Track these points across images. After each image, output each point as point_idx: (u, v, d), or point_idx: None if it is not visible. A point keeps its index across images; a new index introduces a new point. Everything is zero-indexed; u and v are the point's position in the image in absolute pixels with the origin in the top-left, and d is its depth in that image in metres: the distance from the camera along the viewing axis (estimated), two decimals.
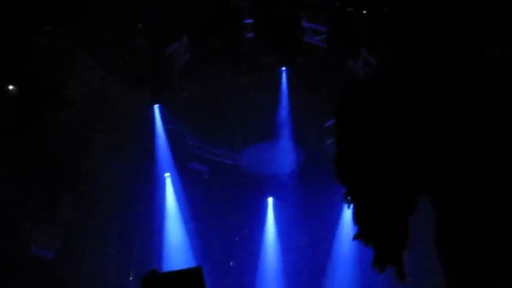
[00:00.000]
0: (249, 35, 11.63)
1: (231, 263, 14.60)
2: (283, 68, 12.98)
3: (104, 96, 12.78)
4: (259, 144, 13.69)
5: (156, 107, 13.19)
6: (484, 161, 2.48)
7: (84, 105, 12.25)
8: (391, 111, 2.81)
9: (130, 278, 12.42)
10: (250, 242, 14.52)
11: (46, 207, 11.42)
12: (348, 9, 11.19)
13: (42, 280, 10.46)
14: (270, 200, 14.45)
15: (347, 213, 13.82)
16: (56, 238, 10.82)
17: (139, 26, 12.06)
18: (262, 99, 13.49)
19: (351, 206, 2.95)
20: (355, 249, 13.41)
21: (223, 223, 14.55)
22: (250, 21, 11.56)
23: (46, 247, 10.37)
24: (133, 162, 13.39)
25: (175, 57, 12.35)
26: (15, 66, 11.00)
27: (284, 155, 13.60)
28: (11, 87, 10.90)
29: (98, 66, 12.49)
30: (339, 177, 3.01)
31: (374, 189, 2.87)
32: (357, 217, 2.93)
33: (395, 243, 2.77)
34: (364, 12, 10.79)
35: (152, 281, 3.86)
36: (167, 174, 13.80)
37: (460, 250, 2.49)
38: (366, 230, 2.85)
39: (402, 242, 2.79)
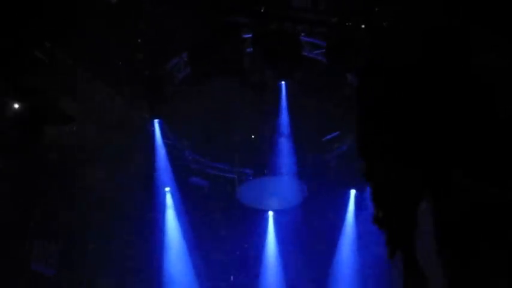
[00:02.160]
0: (249, 49, 11.67)
1: (232, 278, 14.56)
2: (283, 82, 13.07)
3: (103, 111, 12.81)
4: (259, 179, 13.60)
5: (156, 122, 13.22)
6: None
7: (84, 121, 12.25)
8: (411, 91, 2.78)
9: None
10: (251, 256, 14.48)
11: (45, 223, 11.38)
12: (347, 24, 11.26)
13: None
14: (271, 213, 14.44)
15: (348, 232, 13.89)
16: (56, 254, 10.77)
17: (139, 41, 12.11)
18: (261, 112, 13.55)
19: (370, 184, 2.90)
20: (355, 267, 13.44)
21: (224, 237, 14.53)
22: (249, 35, 11.62)
23: (46, 264, 10.32)
24: (133, 177, 13.40)
25: (175, 72, 12.41)
26: (14, 82, 11.02)
27: (286, 191, 13.46)
28: (16, 105, 10.90)
29: (98, 81, 12.54)
30: (362, 153, 2.94)
31: (396, 168, 2.83)
32: (375, 196, 2.88)
33: (408, 227, 2.75)
34: (363, 26, 10.85)
35: None
36: (167, 189, 13.81)
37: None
38: (383, 211, 2.81)
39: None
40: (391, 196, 2.76)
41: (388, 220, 2.76)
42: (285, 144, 13.44)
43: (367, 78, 3.13)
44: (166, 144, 13.53)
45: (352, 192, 13.95)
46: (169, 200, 13.81)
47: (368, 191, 2.96)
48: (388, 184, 2.79)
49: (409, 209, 2.68)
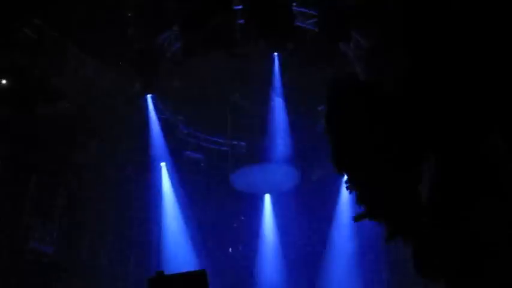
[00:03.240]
0: (240, 21, 11.55)
1: (230, 250, 14.69)
2: (275, 54, 12.99)
3: (95, 87, 12.73)
4: (252, 166, 13.53)
5: (149, 97, 13.15)
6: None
7: (76, 97, 12.18)
8: (377, 103, 2.85)
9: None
10: (248, 229, 14.59)
11: (42, 202, 11.40)
12: None
13: (41, 274, 10.46)
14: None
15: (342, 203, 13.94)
16: (54, 232, 10.82)
17: (130, 15, 11.98)
18: (254, 85, 13.48)
19: (353, 192, 2.99)
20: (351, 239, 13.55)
21: (221, 210, 14.61)
22: (240, 7, 11.49)
23: (44, 242, 10.38)
24: (129, 153, 13.40)
25: (166, 46, 12.29)
26: (4, 59, 10.92)
27: (278, 177, 13.47)
28: (5, 82, 10.82)
29: (88, 57, 12.44)
30: (338, 169, 3.06)
31: (372, 174, 2.92)
32: (360, 200, 2.98)
33: (403, 216, 2.82)
34: None
35: (159, 282, 4.00)
36: (163, 164, 13.82)
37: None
38: (370, 210, 2.90)
39: (410, 212, 2.84)
40: (375, 196, 2.82)
41: (381, 215, 2.83)
42: (279, 115, 13.42)
43: (333, 101, 3.16)
44: (160, 119, 13.49)
45: None
46: (164, 174, 13.82)
47: (354, 198, 3.01)
48: (370, 187, 2.85)
49: (399, 202, 2.74)
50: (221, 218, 14.68)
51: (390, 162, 2.83)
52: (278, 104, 13.34)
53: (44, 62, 11.53)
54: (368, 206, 2.95)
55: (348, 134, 2.99)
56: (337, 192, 13.92)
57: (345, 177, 3.16)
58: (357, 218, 3.04)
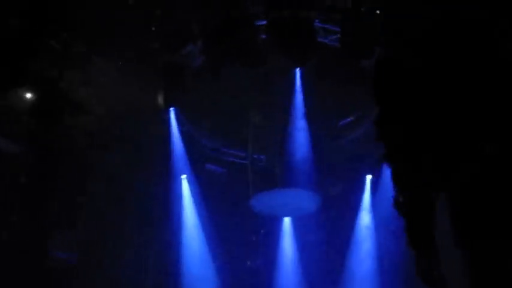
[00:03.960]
0: (263, 36, 11.65)
1: (248, 263, 14.67)
2: (297, 69, 13.05)
3: (119, 100, 12.90)
4: (272, 191, 13.49)
5: (172, 110, 13.28)
6: None
7: (101, 110, 12.35)
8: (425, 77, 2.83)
9: None
10: (268, 242, 14.56)
11: (65, 212, 11.55)
12: (361, 9, 11.18)
13: (62, 282, 10.56)
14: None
15: (364, 221, 13.88)
16: (75, 240, 10.94)
17: (153, 29, 12.13)
18: (277, 100, 13.56)
19: (391, 168, 2.97)
20: (372, 256, 13.48)
21: (240, 223, 14.62)
22: (264, 22, 11.59)
23: (66, 251, 10.50)
24: (150, 165, 13.51)
25: (189, 60, 12.42)
26: (30, 71, 11.11)
27: (299, 202, 13.36)
28: (32, 94, 11.03)
29: (113, 70, 12.62)
30: (382, 137, 3.02)
31: (415, 150, 2.89)
32: (396, 179, 2.95)
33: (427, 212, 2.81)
34: (378, 12, 10.76)
35: None
36: (183, 176, 13.90)
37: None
38: (404, 196, 2.87)
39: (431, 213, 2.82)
40: (411, 182, 2.80)
41: (407, 205, 2.82)
42: (300, 130, 13.43)
43: (385, 70, 3.17)
44: (182, 132, 13.60)
45: (368, 177, 13.95)
46: (185, 187, 13.89)
47: (388, 174, 3.01)
48: (409, 170, 2.84)
49: (428, 195, 2.73)
50: (240, 231, 14.70)
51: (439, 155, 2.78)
52: (299, 119, 13.36)
53: (69, 74, 11.74)
54: (398, 190, 2.91)
55: (400, 110, 2.95)
56: (356, 207, 13.93)
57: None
58: (394, 204, 2.99)
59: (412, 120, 2.86)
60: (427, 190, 2.83)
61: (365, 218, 14.04)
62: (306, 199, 13.20)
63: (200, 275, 12.32)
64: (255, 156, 14.71)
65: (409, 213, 2.93)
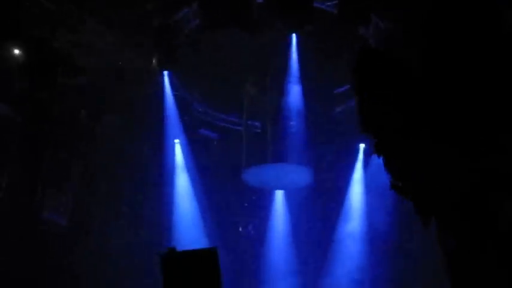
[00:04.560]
0: (259, 1, 11.47)
1: (240, 229, 14.77)
2: (293, 34, 12.88)
3: (113, 62, 12.75)
4: (265, 165, 13.23)
5: (165, 74, 13.16)
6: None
7: (94, 72, 12.22)
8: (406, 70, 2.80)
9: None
10: (259, 208, 14.63)
11: (57, 174, 11.51)
12: None
13: (54, 245, 10.60)
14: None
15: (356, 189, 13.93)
16: (67, 204, 10.94)
17: None
18: (272, 64, 13.41)
19: (382, 157, 2.97)
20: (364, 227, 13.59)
21: (232, 189, 14.66)
22: None
23: (58, 213, 10.51)
24: (143, 128, 13.45)
25: (184, 23, 12.24)
26: (23, 29, 10.93)
27: (292, 177, 13.18)
28: (16, 51, 10.84)
29: (107, 32, 12.43)
30: (369, 129, 3.02)
31: (406, 138, 2.88)
32: (389, 166, 2.96)
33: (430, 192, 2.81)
34: None
35: (171, 259, 4.09)
36: (176, 141, 13.87)
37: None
38: (402, 181, 2.88)
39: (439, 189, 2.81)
40: (408, 168, 2.79)
41: (410, 189, 2.80)
42: (294, 97, 13.32)
43: (363, 63, 3.13)
44: (176, 96, 13.50)
45: (362, 146, 13.95)
46: (178, 151, 13.87)
47: (381, 160, 2.98)
48: (402, 157, 2.82)
49: (432, 179, 2.71)
50: (233, 196, 14.74)
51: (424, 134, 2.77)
52: (294, 87, 13.23)
53: (63, 34, 11.56)
54: (396, 177, 2.91)
55: (377, 101, 2.96)
56: (349, 178, 13.98)
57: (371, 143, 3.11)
58: (392, 187, 3.01)
59: (398, 111, 2.84)
60: (429, 176, 2.81)
61: (357, 188, 14.11)
62: (298, 173, 13.07)
63: (191, 239, 12.35)
64: (250, 123, 14.66)
65: (415, 197, 2.93)
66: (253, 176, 13.18)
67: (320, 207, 14.17)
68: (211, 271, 4.06)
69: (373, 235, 13.34)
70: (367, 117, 2.98)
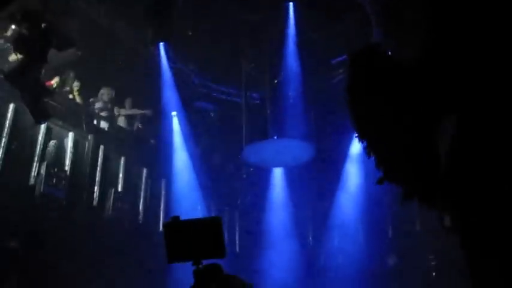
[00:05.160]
0: None
1: (239, 201, 14.80)
2: (291, 3, 12.68)
3: (107, 34, 12.57)
4: (265, 141, 12.98)
5: (161, 45, 12.98)
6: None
7: (88, 44, 12.04)
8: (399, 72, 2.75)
9: None
10: (258, 180, 14.63)
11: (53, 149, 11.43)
12: None
13: (51, 219, 10.57)
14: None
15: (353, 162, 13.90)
16: (64, 179, 10.89)
17: None
18: (269, 35, 13.23)
19: (372, 156, 2.96)
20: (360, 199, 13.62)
21: (230, 160, 14.65)
22: None
23: (55, 187, 10.46)
24: (140, 101, 13.35)
25: None
26: (12, 5, 10.72)
27: (292, 152, 12.93)
28: (15, 28, 10.69)
29: (99, 4, 12.24)
30: (359, 135, 3.02)
31: (390, 139, 2.87)
32: (378, 164, 2.94)
33: (421, 176, 2.79)
34: None
35: (175, 226, 4.09)
36: (174, 113, 13.77)
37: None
38: (391, 173, 2.87)
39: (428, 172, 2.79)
40: (396, 160, 2.77)
41: (398, 177, 2.79)
42: (291, 66, 13.17)
43: (355, 69, 3.06)
44: (172, 68, 13.35)
45: None
46: (175, 123, 13.78)
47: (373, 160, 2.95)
48: (391, 152, 2.79)
49: (413, 162, 2.69)
50: (231, 169, 14.73)
51: (407, 125, 2.77)
52: (292, 57, 13.06)
53: (55, 6, 11.34)
54: (386, 169, 2.92)
55: (369, 103, 2.94)
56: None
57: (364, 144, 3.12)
58: (378, 182, 3.01)
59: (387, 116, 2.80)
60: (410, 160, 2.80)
61: (354, 165, 14.10)
62: (299, 149, 12.85)
63: (190, 212, 12.33)
64: (248, 94, 14.55)
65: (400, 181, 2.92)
66: (253, 153, 13.01)
67: (318, 179, 14.16)
68: (215, 239, 4.07)
69: (369, 204, 13.39)
70: (361, 122, 2.94)
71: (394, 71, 2.87)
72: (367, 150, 3.04)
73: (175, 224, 4.15)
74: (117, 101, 13.01)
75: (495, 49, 2.46)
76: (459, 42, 2.55)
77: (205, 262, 4.01)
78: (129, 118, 13.25)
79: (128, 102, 13.24)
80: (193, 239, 4.10)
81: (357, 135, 3.06)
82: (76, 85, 12.00)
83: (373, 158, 3.00)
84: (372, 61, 3.02)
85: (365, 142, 3.03)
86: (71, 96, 11.86)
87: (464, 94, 2.55)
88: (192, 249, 4.08)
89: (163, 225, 4.21)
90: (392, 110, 2.87)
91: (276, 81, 13.51)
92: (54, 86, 11.42)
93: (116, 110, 12.94)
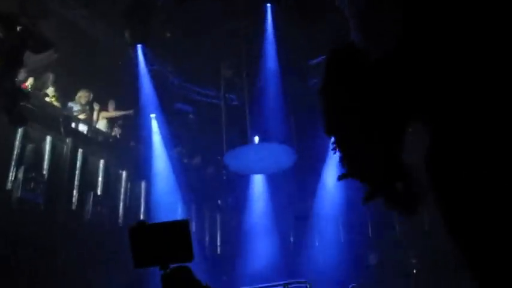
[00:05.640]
0: None
1: (219, 202, 14.78)
2: (268, 5, 12.71)
3: (85, 36, 12.47)
4: (246, 146, 12.95)
5: (139, 47, 12.92)
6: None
7: (64, 46, 11.93)
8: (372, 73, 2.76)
9: None
10: (239, 181, 14.61)
11: (31, 152, 11.30)
12: None
13: (29, 224, 10.44)
14: (257, 138, 14.41)
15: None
16: (42, 183, 10.76)
17: None
18: (247, 36, 13.23)
19: (338, 153, 2.95)
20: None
21: (211, 161, 14.63)
22: None
23: (33, 192, 10.33)
24: (118, 103, 13.25)
25: None
26: None
27: (275, 157, 12.83)
28: None
29: (77, 5, 12.14)
30: (328, 131, 3.01)
31: (355, 137, 2.88)
32: (343, 161, 2.94)
33: (385, 176, 2.79)
34: None
35: (140, 230, 4.04)
36: (153, 115, 13.70)
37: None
38: (354, 171, 2.88)
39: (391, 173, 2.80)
40: (362, 157, 2.79)
41: (362, 175, 2.80)
42: (270, 69, 13.19)
43: (331, 67, 3.07)
44: (151, 70, 13.29)
45: None
46: (154, 125, 13.72)
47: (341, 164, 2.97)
48: (357, 150, 2.81)
49: (380, 163, 2.72)
50: (212, 169, 14.71)
51: (373, 121, 2.77)
52: (269, 59, 13.09)
53: (31, 8, 11.21)
54: (349, 166, 2.92)
55: (339, 100, 2.94)
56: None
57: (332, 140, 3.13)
58: (340, 178, 3.01)
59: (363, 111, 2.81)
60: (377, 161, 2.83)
61: (333, 166, 14.20)
62: (281, 153, 12.76)
63: (170, 215, 12.25)
64: (227, 95, 14.56)
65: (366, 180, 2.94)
66: (235, 159, 12.90)
67: (299, 180, 14.23)
68: (182, 242, 4.04)
69: (348, 204, 13.51)
70: (331, 117, 2.94)
71: (365, 66, 2.86)
72: (333, 145, 3.04)
73: (141, 228, 4.11)
74: (96, 103, 12.88)
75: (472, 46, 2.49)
76: (432, 34, 2.57)
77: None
78: (110, 121, 13.13)
79: (110, 104, 13.11)
80: (160, 243, 4.05)
81: (324, 129, 3.05)
82: (51, 90, 11.84)
83: (338, 153, 3.01)
84: (346, 57, 3.02)
85: (332, 137, 3.03)
86: (47, 99, 11.71)
87: (436, 91, 2.57)
88: (159, 254, 4.03)
89: (128, 230, 4.15)
90: (360, 105, 2.86)
91: (254, 85, 13.48)
92: (29, 87, 11.28)
93: (96, 113, 12.82)
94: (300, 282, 10.96)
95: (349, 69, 2.91)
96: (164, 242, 4.04)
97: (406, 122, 2.72)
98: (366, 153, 2.77)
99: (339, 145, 2.92)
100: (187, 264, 3.99)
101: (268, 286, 11.18)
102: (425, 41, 2.49)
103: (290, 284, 10.76)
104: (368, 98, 2.73)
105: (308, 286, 10.57)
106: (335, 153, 2.92)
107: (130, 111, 13.31)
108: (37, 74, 11.73)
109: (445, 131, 2.49)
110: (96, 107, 12.74)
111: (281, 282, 10.99)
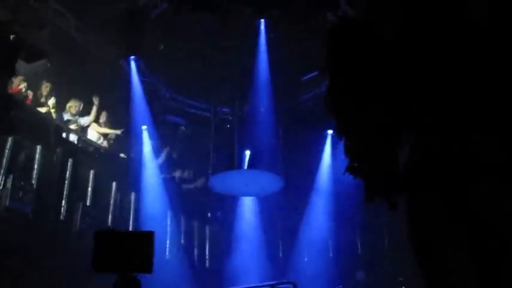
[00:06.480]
0: None
1: (209, 215, 14.74)
2: (262, 20, 12.80)
3: (77, 47, 12.47)
4: (233, 171, 13.06)
5: (132, 59, 12.94)
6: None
7: (57, 57, 11.94)
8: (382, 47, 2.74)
9: None
10: (228, 195, 14.59)
11: (20, 162, 11.24)
12: None
13: (16, 234, 10.36)
14: (248, 153, 14.45)
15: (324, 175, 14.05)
16: (31, 193, 10.67)
17: None
18: (240, 50, 13.31)
19: (343, 139, 2.91)
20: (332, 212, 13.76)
21: (201, 175, 14.59)
22: None
23: (21, 201, 10.25)
24: (110, 115, 13.23)
25: (150, 8, 12.05)
26: None
27: (261, 183, 12.89)
28: None
29: (70, 16, 12.16)
30: (332, 110, 2.96)
31: (368, 122, 2.84)
32: (348, 150, 2.90)
33: (385, 173, 2.78)
34: None
35: (105, 235, 4.05)
36: (144, 127, 13.68)
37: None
38: (357, 163, 2.83)
39: (391, 172, 2.79)
40: (365, 147, 2.75)
41: (364, 169, 2.77)
42: (262, 83, 13.24)
43: (338, 35, 3.03)
44: (143, 82, 13.30)
45: (330, 132, 14.03)
46: (146, 137, 13.69)
47: (342, 145, 2.90)
48: (361, 136, 2.77)
49: (385, 157, 2.68)
50: (202, 182, 14.67)
51: (378, 119, 2.74)
52: (262, 71, 13.14)
53: (24, 17, 11.24)
54: (351, 158, 2.87)
55: (345, 79, 2.88)
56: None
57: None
58: (347, 170, 2.96)
59: (367, 92, 2.77)
60: (383, 154, 2.78)
61: (324, 177, 14.25)
62: (268, 180, 12.77)
63: (158, 228, 12.20)
64: (218, 109, 14.60)
65: (367, 176, 2.88)
66: (221, 182, 12.96)
67: (288, 197, 14.22)
68: (144, 253, 4.05)
69: (338, 221, 13.54)
70: (336, 98, 2.89)
71: (374, 47, 2.80)
72: (337, 135, 2.99)
73: (107, 233, 4.12)
74: (87, 113, 12.86)
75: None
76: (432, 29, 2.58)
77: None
78: (102, 133, 13.10)
79: (103, 116, 13.04)
80: (123, 250, 4.05)
81: (326, 108, 2.99)
82: (52, 102, 11.81)
83: (342, 144, 2.97)
84: (353, 35, 2.93)
85: (338, 125, 2.97)
86: (44, 110, 11.67)
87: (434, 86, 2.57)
88: (119, 261, 4.02)
89: (94, 234, 4.14)
90: (368, 92, 2.80)
91: (246, 100, 13.53)
92: (23, 90, 11.27)
93: (90, 127, 12.79)
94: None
95: (359, 46, 2.84)
96: (127, 250, 4.04)
97: (406, 117, 2.69)
98: (372, 147, 2.73)
99: (341, 131, 2.87)
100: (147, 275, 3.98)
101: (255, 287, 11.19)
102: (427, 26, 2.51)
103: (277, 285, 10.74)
104: (376, 81, 2.67)
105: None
106: (338, 143, 2.88)
107: (121, 131, 13.21)
108: (32, 82, 11.69)
109: (424, 142, 2.51)
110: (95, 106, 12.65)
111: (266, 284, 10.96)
